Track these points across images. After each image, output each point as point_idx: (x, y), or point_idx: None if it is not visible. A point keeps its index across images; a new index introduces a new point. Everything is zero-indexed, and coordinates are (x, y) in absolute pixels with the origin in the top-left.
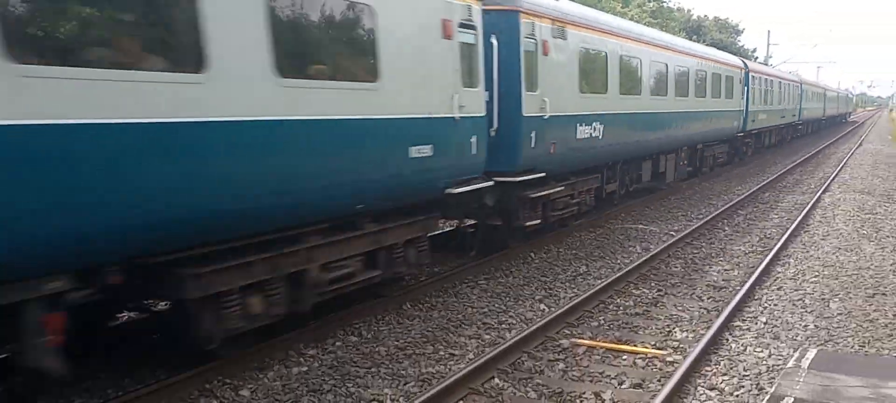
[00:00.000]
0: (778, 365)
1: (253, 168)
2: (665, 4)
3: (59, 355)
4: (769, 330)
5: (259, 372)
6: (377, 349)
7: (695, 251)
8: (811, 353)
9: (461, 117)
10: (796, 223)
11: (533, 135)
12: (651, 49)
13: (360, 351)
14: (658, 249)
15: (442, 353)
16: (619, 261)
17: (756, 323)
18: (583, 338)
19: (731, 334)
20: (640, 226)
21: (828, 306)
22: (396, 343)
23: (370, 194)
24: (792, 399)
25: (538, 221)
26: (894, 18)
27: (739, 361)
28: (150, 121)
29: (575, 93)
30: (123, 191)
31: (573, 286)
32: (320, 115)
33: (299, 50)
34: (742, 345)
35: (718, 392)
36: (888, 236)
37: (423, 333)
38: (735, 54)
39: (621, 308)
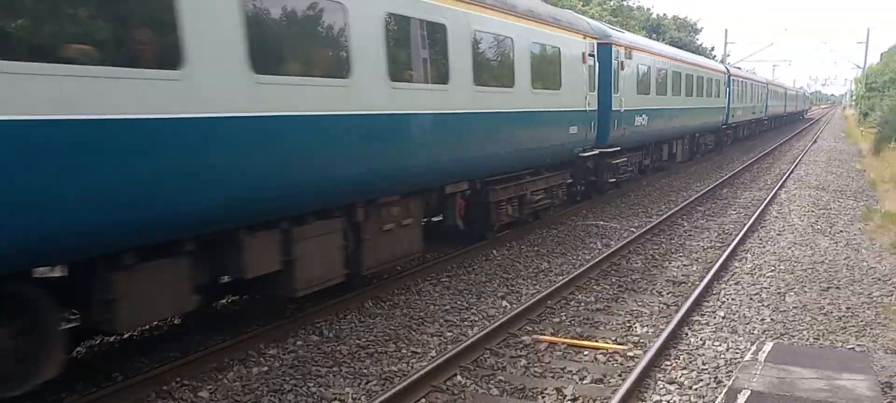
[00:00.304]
0: (736, 359)
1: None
2: (625, 3)
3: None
4: (727, 324)
5: (218, 373)
6: (339, 348)
7: (655, 247)
8: (768, 346)
9: (589, 110)
10: (753, 218)
11: (615, 122)
12: (673, 62)
13: (322, 350)
14: (619, 245)
15: (404, 351)
16: (580, 258)
17: (714, 318)
18: (545, 335)
19: (690, 328)
20: (601, 223)
21: (784, 300)
22: (358, 341)
23: (551, 155)
24: (749, 392)
25: (614, 180)
26: (846, 15)
27: (698, 355)
28: None
29: (634, 95)
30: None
31: (535, 282)
32: (543, 108)
33: (539, 73)
34: (701, 339)
35: (678, 386)
36: (841, 231)
37: (386, 331)
38: (697, 53)
39: (583, 304)
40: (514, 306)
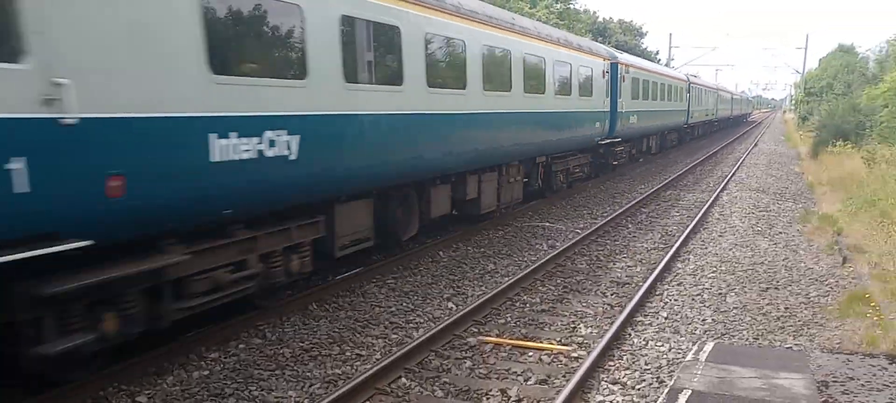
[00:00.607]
0: (678, 359)
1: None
2: (571, 6)
3: None
4: (670, 324)
5: (157, 378)
6: (281, 351)
7: (600, 248)
8: (708, 346)
9: (605, 111)
10: (696, 220)
11: (619, 120)
12: (652, 74)
13: (264, 353)
14: (564, 246)
15: (348, 354)
16: (526, 259)
17: (657, 318)
18: (490, 336)
19: (633, 329)
20: (547, 224)
21: (725, 300)
22: (302, 344)
23: (580, 142)
24: (690, 392)
25: (615, 162)
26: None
27: (641, 355)
28: None
29: (629, 100)
30: None
31: (481, 283)
32: (575, 109)
33: (584, 87)
34: (644, 340)
35: (621, 386)
36: (780, 232)
37: (330, 334)
38: (643, 57)
39: (528, 305)
40: (460, 307)
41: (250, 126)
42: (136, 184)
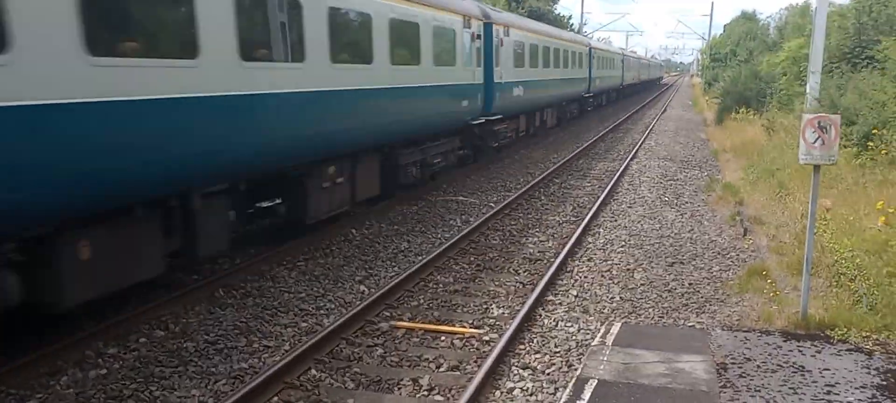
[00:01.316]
0: (586, 340)
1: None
2: None
3: None
4: (579, 303)
5: (50, 378)
6: (185, 344)
7: (513, 223)
8: (615, 328)
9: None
10: (606, 191)
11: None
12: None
13: (167, 348)
14: (478, 222)
15: (256, 345)
16: (439, 236)
17: (568, 297)
18: (402, 320)
19: (544, 309)
20: (461, 198)
21: (633, 276)
22: (206, 337)
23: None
24: (596, 382)
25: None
26: None
27: (551, 337)
28: None
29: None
30: None
31: (394, 264)
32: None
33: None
34: (554, 321)
35: (531, 371)
36: (687, 202)
37: (236, 324)
38: (562, 26)
39: (441, 285)
40: (372, 291)
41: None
42: None
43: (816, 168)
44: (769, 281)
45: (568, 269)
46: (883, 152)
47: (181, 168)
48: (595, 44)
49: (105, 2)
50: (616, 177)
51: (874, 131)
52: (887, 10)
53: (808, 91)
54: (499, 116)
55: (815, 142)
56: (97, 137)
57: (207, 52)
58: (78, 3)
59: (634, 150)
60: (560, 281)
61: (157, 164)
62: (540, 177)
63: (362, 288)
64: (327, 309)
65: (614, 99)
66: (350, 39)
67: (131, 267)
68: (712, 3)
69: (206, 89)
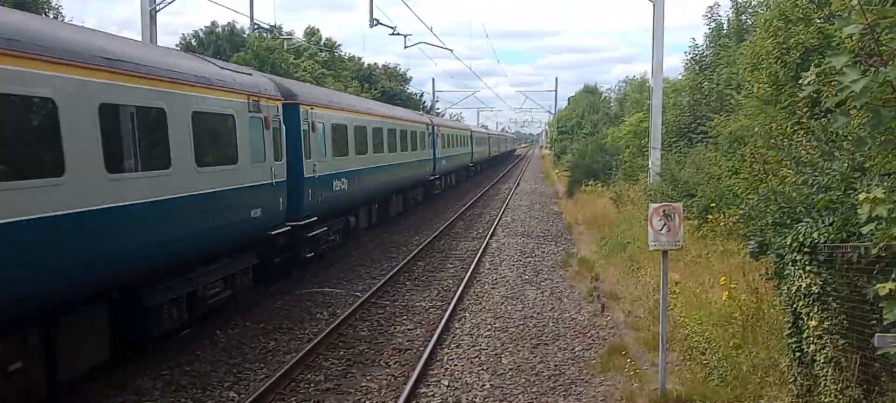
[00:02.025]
0: None
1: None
2: (337, 54)
3: None
4: (451, 393)
5: None
6: None
7: (380, 311)
8: None
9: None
10: (469, 272)
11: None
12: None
13: None
14: (345, 314)
15: None
16: (307, 331)
17: (440, 388)
18: None
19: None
20: (326, 289)
21: (500, 361)
22: None
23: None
24: None
25: (312, 254)
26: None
27: None
28: None
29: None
30: None
31: (263, 365)
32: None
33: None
34: None
35: None
36: (546, 279)
37: None
38: (411, 107)
39: (312, 384)
40: (243, 397)
41: None
42: None
43: (665, 252)
44: (629, 358)
45: (437, 358)
46: (721, 225)
47: None
48: (438, 120)
49: None
50: (477, 257)
51: (712, 205)
52: (718, 88)
53: (650, 165)
54: (313, 219)
55: (661, 228)
56: None
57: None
58: None
59: (492, 228)
60: (431, 372)
61: None
62: (404, 261)
63: (232, 394)
64: None
65: (466, 177)
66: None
67: None
68: (556, 79)
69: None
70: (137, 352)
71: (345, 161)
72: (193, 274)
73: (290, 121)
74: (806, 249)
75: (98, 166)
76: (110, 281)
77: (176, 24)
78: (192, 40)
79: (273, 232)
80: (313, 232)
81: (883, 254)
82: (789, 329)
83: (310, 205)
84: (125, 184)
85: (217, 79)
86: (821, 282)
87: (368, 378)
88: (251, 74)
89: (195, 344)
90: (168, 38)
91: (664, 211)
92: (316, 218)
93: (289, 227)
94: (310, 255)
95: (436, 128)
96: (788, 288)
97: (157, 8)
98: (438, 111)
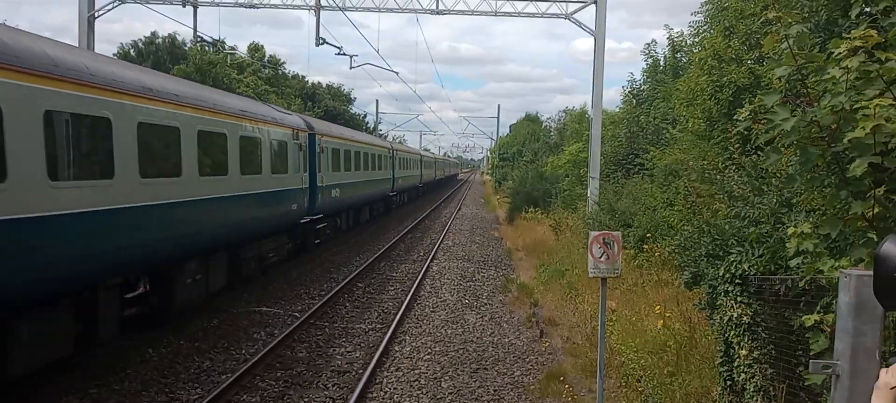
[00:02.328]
0: None
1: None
2: (281, 71)
3: None
4: None
5: None
6: None
7: (318, 332)
8: None
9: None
10: (410, 295)
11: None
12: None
13: None
14: (283, 334)
15: None
16: (244, 351)
17: None
18: None
19: None
20: (265, 309)
21: (440, 385)
22: None
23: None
24: None
25: (318, 241)
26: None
27: None
28: None
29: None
30: None
31: (197, 385)
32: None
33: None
34: None
35: None
36: (486, 303)
37: None
38: (355, 127)
39: None
40: None
41: None
42: None
43: (603, 280)
44: (566, 384)
45: (377, 381)
46: (657, 255)
47: None
48: (397, 146)
49: None
50: (418, 280)
51: (648, 235)
52: (654, 122)
53: (589, 194)
54: (321, 216)
55: (601, 256)
56: None
57: None
58: None
59: (434, 251)
60: (370, 395)
61: None
62: (344, 282)
63: None
64: None
65: (414, 197)
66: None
67: None
68: (499, 106)
69: None
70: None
71: (339, 175)
72: (261, 243)
73: (310, 146)
74: (737, 280)
75: (236, 171)
76: (234, 237)
77: (113, 33)
78: (131, 50)
79: (301, 221)
80: (319, 226)
81: (809, 287)
82: (721, 357)
83: (319, 206)
84: (237, 183)
85: (280, 118)
86: (751, 313)
87: (306, 400)
88: (291, 115)
89: (126, 362)
90: (105, 46)
91: (604, 239)
92: (321, 215)
93: (308, 220)
94: (317, 241)
95: (395, 151)
96: (721, 318)
97: (96, 15)
98: (382, 133)
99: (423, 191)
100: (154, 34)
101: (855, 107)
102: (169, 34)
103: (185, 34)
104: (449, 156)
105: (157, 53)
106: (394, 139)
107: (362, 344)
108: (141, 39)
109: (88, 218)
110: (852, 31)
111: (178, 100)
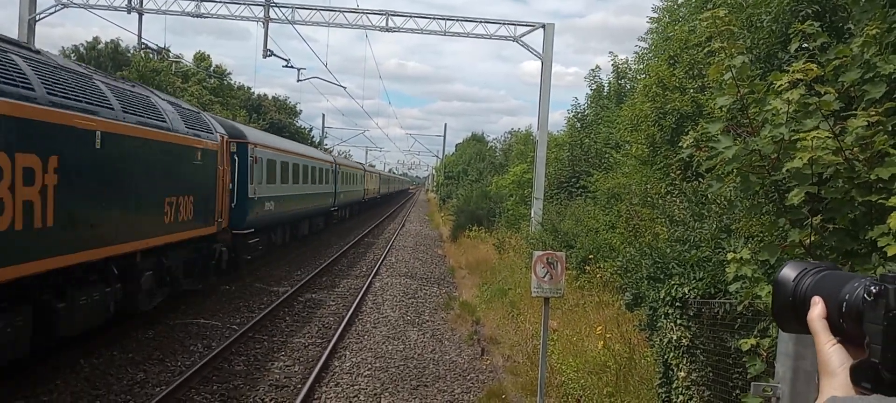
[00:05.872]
0: None
1: None
2: (227, 82)
3: None
4: None
5: None
6: None
7: (257, 346)
8: None
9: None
10: (351, 310)
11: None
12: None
13: None
14: (220, 347)
15: None
16: (179, 363)
17: None
18: None
19: None
20: (202, 321)
21: (380, 401)
22: None
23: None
24: None
25: (249, 256)
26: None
27: None
28: None
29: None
30: None
31: (130, 397)
32: None
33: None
34: None
35: None
36: (428, 320)
37: None
38: (300, 140)
39: None
40: None
41: None
42: None
43: (546, 299)
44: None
45: (315, 396)
46: (598, 276)
47: None
48: (340, 160)
49: None
50: (360, 296)
51: (590, 256)
52: (597, 146)
53: (532, 215)
54: (252, 230)
55: (544, 276)
56: None
57: None
58: None
59: (376, 267)
60: None
61: None
62: (285, 296)
63: None
64: None
65: (359, 211)
66: None
67: None
68: (445, 125)
69: None
70: None
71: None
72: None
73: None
74: (678, 303)
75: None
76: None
77: (55, 36)
78: (72, 55)
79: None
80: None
81: (746, 312)
82: (660, 379)
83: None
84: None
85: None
86: (690, 336)
87: None
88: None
89: (55, 374)
90: (45, 50)
91: (548, 259)
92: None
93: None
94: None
95: (338, 166)
96: (660, 339)
97: (37, 18)
98: (327, 147)
99: (368, 207)
100: (96, 39)
101: (794, 138)
102: (112, 40)
103: (129, 40)
104: (394, 173)
105: (99, 59)
106: (339, 154)
107: (301, 359)
108: (82, 44)
109: None
110: (793, 65)
111: None
